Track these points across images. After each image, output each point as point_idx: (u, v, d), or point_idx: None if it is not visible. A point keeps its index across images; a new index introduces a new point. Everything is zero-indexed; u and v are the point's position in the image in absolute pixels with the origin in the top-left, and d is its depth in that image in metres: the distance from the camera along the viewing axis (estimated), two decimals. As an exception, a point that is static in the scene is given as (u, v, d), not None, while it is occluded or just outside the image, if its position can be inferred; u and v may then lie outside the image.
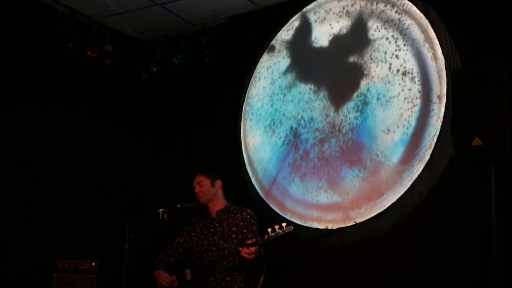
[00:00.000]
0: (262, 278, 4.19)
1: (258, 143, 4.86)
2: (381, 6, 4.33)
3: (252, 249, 3.91)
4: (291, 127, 4.69)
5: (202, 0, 4.82)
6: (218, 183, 4.45)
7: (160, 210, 4.17)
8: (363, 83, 4.34)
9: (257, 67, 4.96)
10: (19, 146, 4.53)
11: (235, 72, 5.08)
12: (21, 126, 4.58)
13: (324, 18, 4.65)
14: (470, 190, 3.71)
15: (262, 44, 4.95)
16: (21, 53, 4.58)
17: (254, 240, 3.96)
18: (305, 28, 4.76)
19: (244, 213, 4.38)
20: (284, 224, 3.95)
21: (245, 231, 4.26)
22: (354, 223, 4.16)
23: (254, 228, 4.31)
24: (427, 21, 4.04)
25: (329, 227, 4.28)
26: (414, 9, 4.14)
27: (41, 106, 4.73)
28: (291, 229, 3.96)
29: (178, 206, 4.31)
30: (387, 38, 4.27)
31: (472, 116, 3.43)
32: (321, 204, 4.39)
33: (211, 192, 4.41)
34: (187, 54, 5.17)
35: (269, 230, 3.92)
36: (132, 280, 4.06)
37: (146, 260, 4.50)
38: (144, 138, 5.46)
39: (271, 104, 4.85)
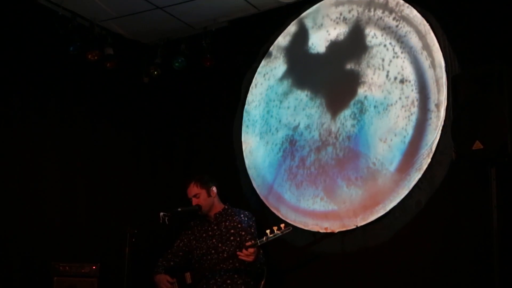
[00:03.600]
0: (263, 282, 4.20)
1: (254, 149, 4.85)
2: (379, 12, 4.32)
3: (251, 250, 3.92)
4: (287, 134, 4.67)
5: (203, 4, 4.82)
6: (213, 190, 4.41)
7: (161, 213, 4.16)
8: (360, 91, 4.33)
9: (255, 72, 4.95)
10: (20, 149, 4.53)
11: (235, 75, 5.08)
12: (22, 129, 4.58)
13: (321, 24, 4.64)
14: (471, 193, 3.72)
15: (260, 49, 4.95)
16: (22, 57, 4.59)
17: (252, 242, 3.97)
18: (302, 34, 4.75)
19: (242, 215, 4.38)
20: (282, 225, 3.96)
21: (243, 233, 4.26)
22: (355, 227, 4.16)
23: (252, 230, 4.31)
24: (427, 26, 4.03)
25: (329, 230, 4.28)
26: (412, 14, 4.13)
27: (42, 109, 4.74)
28: (289, 230, 3.97)
29: (179, 209, 4.30)
30: (384, 45, 4.26)
31: (473, 119, 3.43)
32: (317, 212, 4.38)
33: (209, 202, 4.39)
34: (188, 57, 5.18)
35: (268, 231, 3.93)
36: (133, 283, 4.06)
37: (147, 264, 4.50)
38: (145, 141, 5.47)
39: (267, 111, 4.83)
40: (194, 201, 4.38)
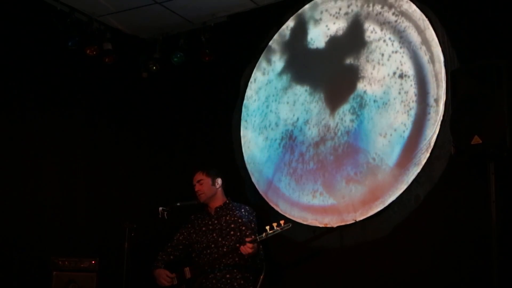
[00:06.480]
0: (262, 277, 4.21)
1: (253, 144, 4.85)
2: (378, 7, 4.32)
3: (251, 245, 3.93)
4: (286, 129, 4.67)
5: (202, -1, 4.83)
6: (219, 181, 4.46)
7: (160, 208, 4.18)
8: (360, 85, 4.32)
9: (254, 67, 4.95)
10: (18, 144, 4.53)
11: (234, 70, 5.08)
12: (21, 124, 4.58)
13: (320, 19, 4.63)
14: (469, 188, 3.72)
15: (260, 44, 4.95)
16: (20, 52, 4.58)
17: (252, 237, 3.98)
18: (301, 29, 4.74)
19: (243, 210, 4.40)
20: (282, 222, 3.97)
21: (243, 228, 4.27)
22: (353, 221, 4.17)
23: (253, 225, 4.32)
24: (426, 21, 4.03)
25: (328, 225, 4.29)
26: (411, 9, 4.12)
27: (40, 104, 4.73)
28: (289, 226, 3.98)
29: (178, 204, 4.33)
30: (384, 40, 4.25)
31: (471, 114, 3.43)
32: (316, 207, 4.38)
33: (211, 191, 4.42)
34: (187, 52, 5.18)
35: (267, 227, 3.94)
36: (132, 278, 4.07)
37: (146, 258, 4.50)
38: (144, 136, 5.47)
39: (267, 106, 4.83)
40: (197, 187, 4.41)
